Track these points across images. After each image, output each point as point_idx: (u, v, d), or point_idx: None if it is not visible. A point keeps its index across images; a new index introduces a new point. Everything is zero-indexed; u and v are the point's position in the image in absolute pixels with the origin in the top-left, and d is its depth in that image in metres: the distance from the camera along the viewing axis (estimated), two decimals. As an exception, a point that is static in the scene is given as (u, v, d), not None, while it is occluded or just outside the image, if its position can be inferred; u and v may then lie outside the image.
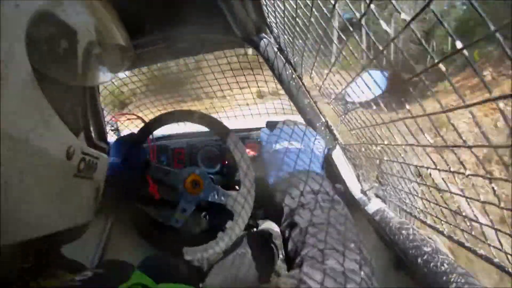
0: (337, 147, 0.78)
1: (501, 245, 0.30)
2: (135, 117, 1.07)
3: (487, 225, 0.30)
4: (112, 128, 1.15)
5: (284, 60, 0.78)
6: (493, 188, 0.25)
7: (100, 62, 0.41)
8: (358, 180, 0.73)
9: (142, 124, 0.83)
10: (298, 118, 0.84)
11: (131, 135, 0.92)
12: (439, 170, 0.33)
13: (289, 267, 0.46)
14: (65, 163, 0.35)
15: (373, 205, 0.66)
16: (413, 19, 0.23)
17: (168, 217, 0.79)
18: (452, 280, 0.37)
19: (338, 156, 0.78)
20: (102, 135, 0.93)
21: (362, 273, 0.38)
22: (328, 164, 0.79)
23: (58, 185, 0.35)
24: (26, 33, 0.29)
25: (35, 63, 0.30)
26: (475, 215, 0.31)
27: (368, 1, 0.27)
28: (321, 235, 0.42)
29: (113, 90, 1.17)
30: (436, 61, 0.23)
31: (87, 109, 0.44)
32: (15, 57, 0.28)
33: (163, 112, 0.83)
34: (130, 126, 1.28)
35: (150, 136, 0.85)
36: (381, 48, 0.30)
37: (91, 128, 0.45)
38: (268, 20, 0.75)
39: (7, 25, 0.27)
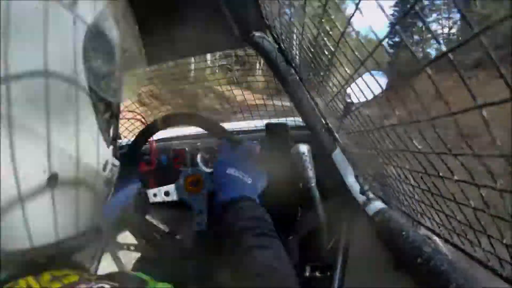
0: (337, 148, 0.78)
1: (494, 249, 0.30)
2: (133, 115, 1.08)
3: (479, 231, 0.30)
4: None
5: (284, 61, 0.78)
6: (481, 194, 0.25)
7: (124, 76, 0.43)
8: (358, 180, 0.73)
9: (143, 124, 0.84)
10: (298, 119, 0.84)
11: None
12: (428, 174, 0.32)
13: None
14: (101, 173, 0.38)
15: (373, 206, 0.65)
16: (397, 21, 0.23)
17: (190, 224, 0.79)
18: (452, 280, 0.37)
19: (338, 157, 0.77)
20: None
21: None
22: (329, 164, 0.79)
23: (92, 192, 0.37)
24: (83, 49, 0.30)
25: (89, 81, 0.32)
26: (468, 220, 0.31)
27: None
28: (265, 257, 0.46)
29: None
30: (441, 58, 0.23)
31: (117, 122, 0.45)
32: (78, 76, 0.30)
33: (160, 115, 0.83)
34: (129, 126, 1.29)
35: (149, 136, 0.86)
36: (369, 50, 0.30)
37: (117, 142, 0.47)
38: (268, 20, 0.74)
39: (70, 41, 0.28)
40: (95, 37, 0.32)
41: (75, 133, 0.31)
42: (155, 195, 0.78)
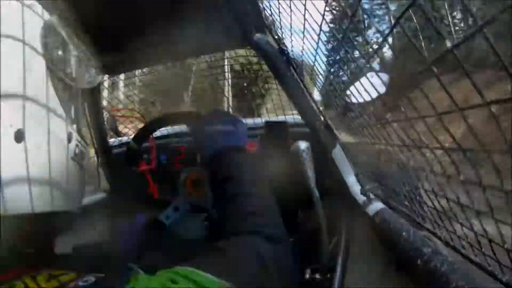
0: (337, 146, 0.77)
1: (495, 254, 0.29)
2: (131, 113, 1.08)
3: (481, 235, 0.29)
4: (112, 127, 1.15)
5: (284, 61, 0.78)
6: (486, 198, 0.24)
7: (82, 69, 0.51)
8: (358, 179, 0.72)
9: (142, 124, 0.83)
10: (298, 118, 0.84)
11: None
12: (434, 173, 0.32)
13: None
14: (66, 145, 0.43)
15: (374, 206, 0.65)
16: (400, 17, 0.23)
17: (160, 213, 0.78)
18: (452, 281, 0.36)
19: (338, 156, 0.77)
20: (103, 133, 0.94)
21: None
22: (329, 163, 0.78)
23: (59, 163, 0.41)
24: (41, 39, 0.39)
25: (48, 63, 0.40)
26: (470, 223, 0.31)
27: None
28: (246, 204, 0.47)
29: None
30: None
31: (78, 105, 0.50)
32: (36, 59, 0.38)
33: (160, 114, 0.83)
34: (128, 125, 1.29)
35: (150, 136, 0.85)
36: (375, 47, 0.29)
37: (81, 122, 0.51)
38: (268, 20, 0.74)
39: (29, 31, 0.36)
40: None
41: (36, 98, 0.37)
42: (167, 217, 0.78)
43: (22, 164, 0.35)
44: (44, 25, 0.41)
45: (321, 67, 0.68)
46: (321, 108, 0.80)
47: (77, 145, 0.46)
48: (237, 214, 0.46)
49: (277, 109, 1.25)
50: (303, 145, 0.81)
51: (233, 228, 0.45)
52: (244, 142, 0.62)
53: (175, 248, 0.75)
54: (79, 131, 0.48)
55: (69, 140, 0.44)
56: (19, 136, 0.34)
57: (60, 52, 0.44)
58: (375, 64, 0.41)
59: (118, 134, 1.20)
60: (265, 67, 0.83)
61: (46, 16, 0.43)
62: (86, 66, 0.51)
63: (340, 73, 0.61)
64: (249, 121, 1.15)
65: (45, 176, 0.38)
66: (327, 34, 0.48)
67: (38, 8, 0.41)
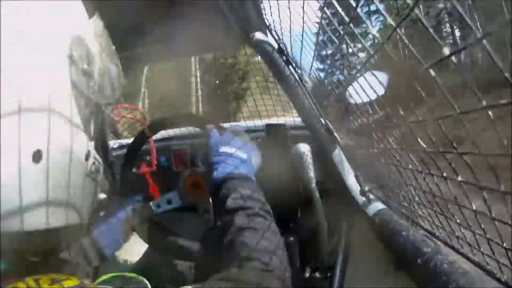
0: (337, 148, 0.77)
1: (493, 252, 0.30)
2: (131, 111, 1.07)
3: (480, 234, 0.30)
4: (112, 129, 1.15)
5: (283, 61, 0.78)
6: (483, 197, 0.25)
7: (104, 84, 0.50)
8: (358, 181, 0.73)
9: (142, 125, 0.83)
10: (298, 120, 0.84)
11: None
12: (432, 174, 0.32)
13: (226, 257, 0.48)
14: (84, 163, 0.42)
15: (373, 207, 0.65)
16: (399, 24, 0.23)
17: (195, 225, 0.79)
18: (452, 280, 0.37)
19: (338, 157, 0.77)
20: (103, 134, 0.94)
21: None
22: (329, 165, 0.79)
23: (75, 181, 0.40)
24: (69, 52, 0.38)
25: (73, 78, 0.39)
26: (468, 223, 0.31)
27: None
28: (256, 239, 0.46)
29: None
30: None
31: (98, 121, 0.50)
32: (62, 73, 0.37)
33: (160, 116, 0.83)
34: (130, 127, 1.29)
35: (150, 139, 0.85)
36: (371, 52, 0.30)
37: (98, 141, 0.51)
38: (267, 20, 0.74)
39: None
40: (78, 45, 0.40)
41: (57, 118, 0.36)
42: (158, 205, 0.78)
43: (39, 184, 0.34)
44: (72, 37, 0.39)
45: (319, 67, 0.68)
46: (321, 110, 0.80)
47: (93, 163, 0.45)
48: (245, 248, 0.44)
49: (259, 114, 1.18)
50: (303, 147, 0.81)
51: (239, 261, 0.43)
52: (253, 174, 0.60)
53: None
54: (96, 148, 0.47)
55: (87, 158, 0.43)
56: (37, 156, 0.33)
57: (86, 66, 0.42)
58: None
59: (117, 135, 1.20)
60: (242, 60, 0.83)
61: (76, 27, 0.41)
62: (109, 79, 0.50)
63: (338, 73, 0.61)
64: (249, 123, 1.16)
65: (61, 194, 0.37)
66: (326, 36, 0.48)
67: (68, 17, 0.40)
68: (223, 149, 0.60)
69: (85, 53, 0.42)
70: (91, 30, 0.47)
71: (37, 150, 0.33)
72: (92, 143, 0.45)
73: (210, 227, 0.77)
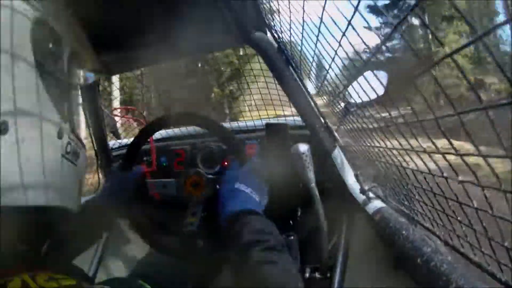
0: (337, 147, 0.77)
1: (495, 253, 0.30)
2: (133, 112, 1.08)
3: (481, 233, 0.30)
4: (112, 129, 1.15)
5: (283, 60, 0.78)
6: (485, 195, 0.25)
7: (74, 65, 0.51)
8: (358, 180, 0.73)
9: (142, 125, 0.83)
10: (298, 119, 0.84)
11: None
12: (432, 175, 0.32)
13: None
14: (56, 141, 0.42)
15: (373, 205, 0.65)
16: (400, 22, 0.23)
17: (180, 224, 0.79)
18: (451, 280, 0.37)
19: (337, 157, 0.77)
20: (102, 134, 0.94)
21: None
22: (328, 164, 0.79)
23: (49, 158, 0.40)
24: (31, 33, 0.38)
25: (38, 57, 0.39)
26: (470, 222, 0.31)
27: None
28: (275, 273, 0.46)
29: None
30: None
31: (72, 103, 0.50)
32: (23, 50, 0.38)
33: (161, 115, 0.83)
34: (130, 127, 1.29)
35: (150, 139, 0.85)
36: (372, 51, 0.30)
37: (75, 121, 0.50)
38: (267, 20, 0.74)
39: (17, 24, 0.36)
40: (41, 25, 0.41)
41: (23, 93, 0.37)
42: (154, 185, 0.79)
43: (8, 157, 0.34)
44: (34, 19, 0.40)
45: (319, 67, 0.68)
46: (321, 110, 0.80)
47: (69, 143, 0.45)
48: (266, 283, 0.44)
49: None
50: (303, 146, 0.81)
51: None
52: (262, 209, 0.62)
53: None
54: (73, 130, 0.48)
55: (60, 136, 0.43)
56: (5, 128, 0.34)
57: (51, 46, 0.43)
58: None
59: (117, 135, 1.20)
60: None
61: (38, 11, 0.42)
62: (81, 62, 0.51)
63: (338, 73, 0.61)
64: (249, 123, 1.16)
65: (34, 169, 0.38)
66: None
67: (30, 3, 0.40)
68: (239, 186, 0.61)
69: (49, 34, 0.43)
70: (55, 13, 0.47)
71: (4, 121, 0.34)
72: (67, 125, 0.46)
73: (193, 230, 0.78)
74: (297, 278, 0.46)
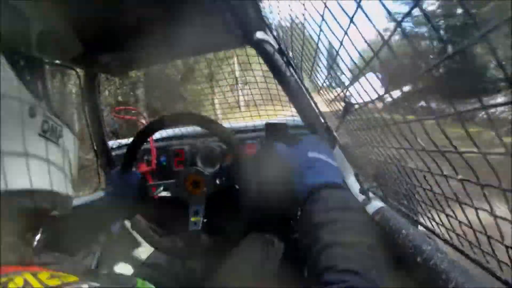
0: (337, 147, 0.78)
1: (494, 251, 0.30)
2: (134, 112, 1.08)
3: (480, 232, 0.30)
4: (112, 129, 1.15)
5: (284, 61, 0.78)
6: (484, 194, 0.25)
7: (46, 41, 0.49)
8: (358, 179, 0.73)
9: (142, 124, 0.83)
10: (298, 119, 0.84)
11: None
12: (432, 173, 0.32)
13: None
14: (29, 120, 0.40)
15: (373, 205, 0.66)
16: (402, 20, 0.23)
17: (184, 223, 0.79)
18: (451, 278, 0.37)
19: (337, 156, 0.77)
20: (102, 134, 0.94)
21: None
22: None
23: (24, 139, 0.38)
24: None
25: None
26: (469, 221, 0.31)
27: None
28: (347, 255, 0.39)
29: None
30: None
31: (46, 84, 0.48)
32: None
33: (161, 115, 0.83)
34: (129, 125, 1.29)
35: (149, 139, 0.85)
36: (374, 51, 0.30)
37: (52, 100, 0.48)
38: (268, 20, 0.74)
39: None
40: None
41: None
42: (155, 188, 0.79)
43: None
44: None
45: (320, 68, 0.69)
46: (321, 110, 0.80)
47: (45, 121, 0.43)
48: (335, 267, 0.38)
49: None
50: None
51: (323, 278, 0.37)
52: (342, 179, 0.54)
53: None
54: (50, 109, 0.45)
55: (32, 114, 0.40)
56: None
57: (17, 24, 0.42)
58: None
59: (117, 135, 1.20)
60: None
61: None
62: (55, 39, 0.49)
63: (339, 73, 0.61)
64: (249, 123, 1.16)
65: (8, 148, 0.36)
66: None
67: None
68: (313, 154, 0.55)
69: (13, 12, 0.42)
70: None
71: None
72: (42, 103, 0.43)
73: (197, 229, 0.78)
74: (379, 263, 0.40)
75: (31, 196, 0.39)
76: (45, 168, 0.42)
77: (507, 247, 0.28)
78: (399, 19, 0.23)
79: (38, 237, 0.44)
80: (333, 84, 0.74)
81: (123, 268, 1.11)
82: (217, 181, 0.81)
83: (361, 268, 0.37)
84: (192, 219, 0.77)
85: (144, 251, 1.13)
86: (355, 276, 0.36)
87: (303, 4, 0.46)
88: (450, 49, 0.20)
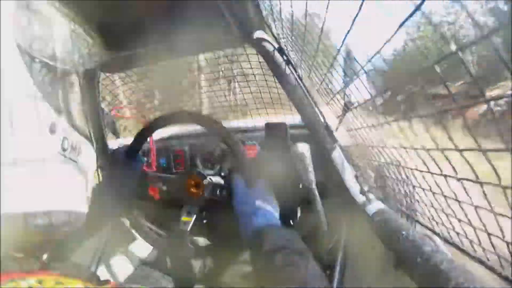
0: (337, 148, 0.78)
1: (494, 248, 0.30)
2: (134, 111, 1.08)
3: (480, 229, 0.30)
4: (112, 129, 1.14)
5: (284, 60, 0.78)
6: (483, 192, 0.25)
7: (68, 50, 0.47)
8: (358, 180, 0.73)
9: (142, 124, 0.83)
10: (298, 118, 0.84)
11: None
12: (431, 173, 0.32)
13: None
14: (49, 137, 0.38)
15: (373, 206, 0.65)
16: (404, 22, 0.23)
17: (175, 222, 0.79)
18: (451, 278, 0.37)
19: (337, 157, 0.77)
20: (102, 133, 0.93)
21: None
22: (328, 164, 0.79)
23: (45, 158, 0.37)
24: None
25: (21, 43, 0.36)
26: (468, 219, 0.31)
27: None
28: (295, 275, 0.47)
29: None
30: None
31: (67, 92, 0.46)
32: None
33: (160, 114, 0.83)
34: (129, 126, 1.29)
35: (149, 138, 0.85)
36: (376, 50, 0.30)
37: (73, 112, 0.46)
38: (268, 20, 0.75)
39: None
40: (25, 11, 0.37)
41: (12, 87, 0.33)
42: (155, 179, 0.79)
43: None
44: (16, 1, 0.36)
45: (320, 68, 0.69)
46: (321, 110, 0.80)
47: (65, 138, 0.41)
48: (288, 283, 0.46)
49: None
50: (303, 146, 0.81)
51: None
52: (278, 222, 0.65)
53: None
54: (70, 122, 0.44)
55: (52, 131, 0.38)
56: None
57: (37, 29, 0.39)
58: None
59: (117, 134, 1.19)
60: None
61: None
62: (77, 46, 0.47)
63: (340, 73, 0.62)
64: (249, 123, 1.16)
65: (25, 173, 0.34)
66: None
67: None
68: (258, 203, 0.66)
69: (34, 16, 0.39)
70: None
71: None
72: (62, 117, 0.42)
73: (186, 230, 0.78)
74: (321, 278, 0.47)
75: (48, 215, 0.38)
76: (63, 187, 0.41)
77: (507, 243, 0.27)
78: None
79: (47, 254, 0.44)
80: (333, 84, 0.74)
81: (123, 267, 1.11)
82: (217, 187, 0.81)
83: None
84: (183, 219, 0.77)
85: (143, 248, 1.13)
86: None
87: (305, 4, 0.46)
88: (453, 46, 0.20)
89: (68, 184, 0.42)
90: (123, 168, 0.78)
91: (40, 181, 0.36)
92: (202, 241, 0.79)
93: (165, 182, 0.80)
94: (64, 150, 0.41)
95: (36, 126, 0.36)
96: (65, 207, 0.40)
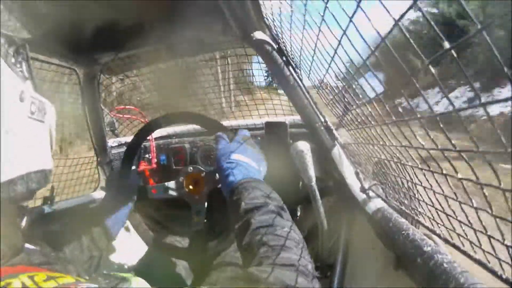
0: (337, 145, 0.77)
1: (494, 250, 0.30)
2: (135, 111, 1.08)
3: (480, 231, 0.30)
4: (111, 128, 1.15)
5: (283, 60, 0.78)
6: (484, 193, 0.25)
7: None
8: (358, 178, 0.73)
9: (141, 123, 0.83)
10: (298, 118, 0.84)
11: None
12: (432, 172, 0.32)
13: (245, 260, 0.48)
14: (20, 104, 0.40)
15: (373, 204, 0.65)
16: (400, 18, 0.23)
17: (186, 224, 0.79)
18: (451, 278, 0.37)
19: (337, 155, 0.77)
20: (102, 133, 0.93)
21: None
22: (328, 162, 0.79)
23: (16, 124, 0.38)
24: None
25: None
26: (469, 220, 0.31)
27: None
28: (274, 236, 0.45)
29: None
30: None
31: (28, 60, 0.47)
32: None
33: (160, 114, 0.83)
34: (129, 126, 1.29)
35: (150, 137, 0.85)
36: (372, 49, 0.30)
37: (35, 78, 0.47)
38: (267, 20, 0.74)
39: None
40: None
41: None
42: (155, 190, 0.79)
43: None
44: None
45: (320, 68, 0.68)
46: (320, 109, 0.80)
47: (32, 103, 0.42)
48: (264, 246, 0.44)
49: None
50: (303, 145, 0.81)
51: (258, 260, 0.43)
52: (263, 177, 0.62)
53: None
54: (34, 85, 0.45)
55: (22, 98, 0.40)
56: None
57: None
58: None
59: (116, 134, 1.20)
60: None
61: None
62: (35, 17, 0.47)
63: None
64: (249, 122, 1.16)
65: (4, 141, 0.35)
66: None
67: None
68: (235, 156, 0.61)
69: None
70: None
71: None
72: (28, 84, 0.43)
73: (200, 229, 0.78)
74: (296, 240, 0.46)
75: (26, 180, 0.39)
76: (36, 148, 0.42)
77: (507, 246, 0.27)
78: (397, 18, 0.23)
79: (24, 220, 0.44)
80: (333, 83, 0.74)
81: (123, 267, 1.11)
82: (216, 178, 0.81)
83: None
84: (195, 219, 0.77)
85: (144, 250, 1.13)
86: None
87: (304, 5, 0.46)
88: (446, 44, 0.20)
89: (38, 144, 0.43)
90: (116, 197, 0.76)
91: (16, 147, 0.38)
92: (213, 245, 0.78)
93: (167, 190, 0.80)
94: (32, 113, 0.42)
95: (7, 97, 0.37)
96: (37, 167, 0.42)
